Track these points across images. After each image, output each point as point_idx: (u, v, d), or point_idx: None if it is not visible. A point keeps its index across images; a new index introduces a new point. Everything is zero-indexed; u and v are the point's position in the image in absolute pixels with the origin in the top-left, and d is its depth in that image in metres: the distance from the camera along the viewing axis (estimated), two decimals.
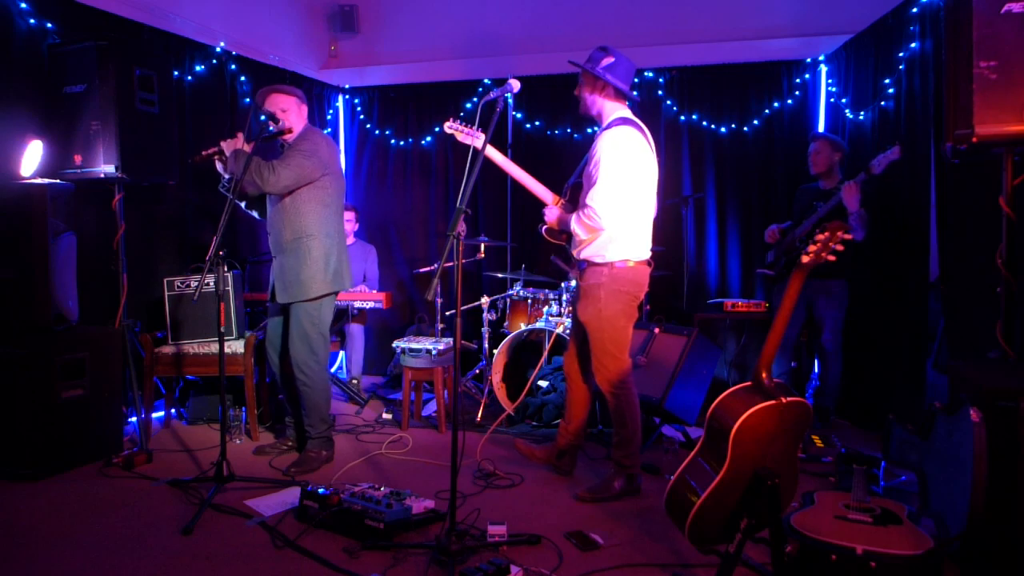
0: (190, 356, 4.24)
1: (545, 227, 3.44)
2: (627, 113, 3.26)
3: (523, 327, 4.72)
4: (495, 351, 4.70)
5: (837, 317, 4.37)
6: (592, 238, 3.17)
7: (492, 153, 3.40)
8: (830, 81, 5.21)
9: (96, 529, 2.90)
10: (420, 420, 4.70)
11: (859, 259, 4.34)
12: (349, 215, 5.54)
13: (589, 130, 5.81)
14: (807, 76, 5.37)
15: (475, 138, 3.42)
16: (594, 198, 3.08)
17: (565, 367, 3.54)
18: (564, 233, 3.37)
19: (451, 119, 3.48)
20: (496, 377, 4.64)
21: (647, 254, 3.27)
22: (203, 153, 3.56)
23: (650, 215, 3.31)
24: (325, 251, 3.62)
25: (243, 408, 4.23)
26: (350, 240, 5.56)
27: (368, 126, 6.37)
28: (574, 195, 3.35)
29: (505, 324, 5.02)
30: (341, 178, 3.80)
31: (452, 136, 3.48)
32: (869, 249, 4.36)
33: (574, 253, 3.32)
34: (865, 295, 4.48)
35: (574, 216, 3.18)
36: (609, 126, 3.19)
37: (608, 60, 3.17)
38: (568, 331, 4.19)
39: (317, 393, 3.70)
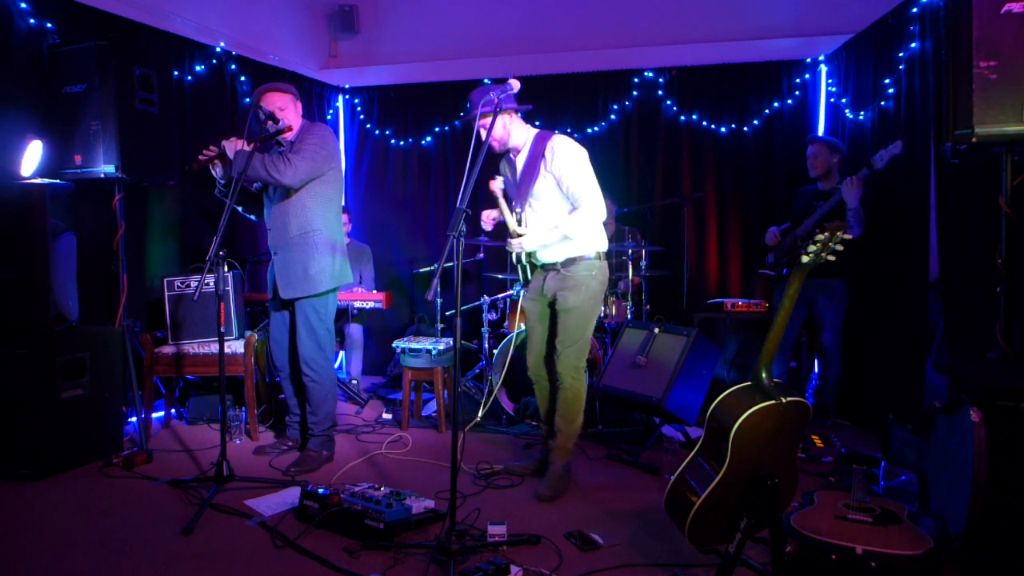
0: (190, 356, 4.24)
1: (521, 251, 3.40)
2: (535, 130, 3.40)
3: (523, 327, 4.71)
4: (495, 351, 4.70)
5: (837, 316, 4.40)
6: (580, 238, 3.29)
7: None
8: (830, 81, 5.21)
9: (96, 529, 2.90)
10: (420, 420, 4.70)
11: (860, 259, 4.36)
12: (342, 217, 5.53)
13: (589, 130, 5.82)
14: (807, 76, 5.37)
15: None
16: (587, 197, 3.22)
17: (533, 371, 3.55)
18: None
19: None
20: (496, 377, 4.64)
21: None
22: (201, 157, 3.52)
23: None
24: (331, 246, 3.63)
25: (243, 408, 4.23)
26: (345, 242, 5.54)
27: (368, 126, 6.37)
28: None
29: (505, 324, 5.02)
30: (342, 174, 3.80)
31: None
32: (869, 249, 4.36)
33: (550, 256, 3.35)
34: (865, 295, 4.48)
35: (569, 221, 3.24)
36: (546, 136, 3.32)
37: (510, 90, 3.09)
38: None
39: (324, 388, 3.71)
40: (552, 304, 3.40)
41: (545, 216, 3.33)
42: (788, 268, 4.51)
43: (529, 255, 3.43)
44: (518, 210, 3.40)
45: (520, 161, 3.40)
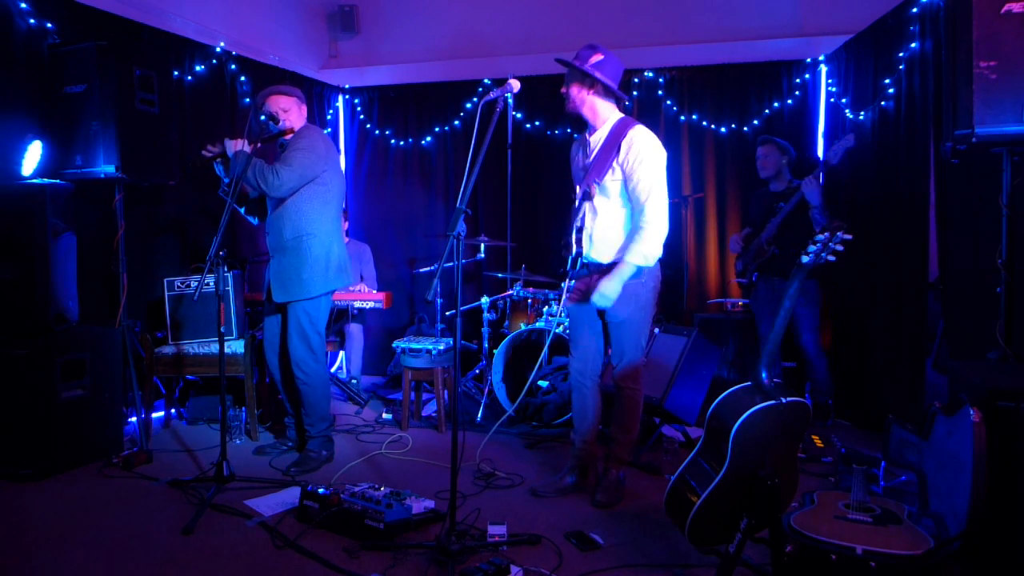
0: (190, 356, 4.24)
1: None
2: (620, 114, 3.22)
3: (523, 327, 4.72)
4: (495, 351, 4.70)
5: (812, 316, 4.42)
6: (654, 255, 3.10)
7: None
8: (830, 81, 5.21)
9: (96, 529, 2.90)
10: (420, 420, 4.70)
11: (856, 259, 4.36)
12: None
13: None
14: (807, 76, 5.37)
15: None
16: (652, 207, 3.02)
17: (579, 377, 3.31)
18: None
19: None
20: (496, 377, 4.64)
21: None
22: (204, 154, 3.56)
23: None
24: (325, 250, 3.62)
25: (243, 408, 4.23)
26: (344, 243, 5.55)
27: (368, 126, 6.37)
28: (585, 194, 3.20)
29: (505, 324, 5.02)
30: (341, 175, 3.80)
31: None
32: (869, 249, 4.36)
33: (601, 254, 3.16)
34: (865, 295, 4.48)
35: (638, 242, 3.02)
36: (628, 125, 3.13)
37: (597, 58, 3.08)
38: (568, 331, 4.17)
39: (317, 391, 3.71)
40: (601, 312, 3.20)
41: (608, 215, 3.13)
42: (758, 273, 4.54)
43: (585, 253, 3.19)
44: (584, 192, 3.16)
45: (596, 142, 3.18)
